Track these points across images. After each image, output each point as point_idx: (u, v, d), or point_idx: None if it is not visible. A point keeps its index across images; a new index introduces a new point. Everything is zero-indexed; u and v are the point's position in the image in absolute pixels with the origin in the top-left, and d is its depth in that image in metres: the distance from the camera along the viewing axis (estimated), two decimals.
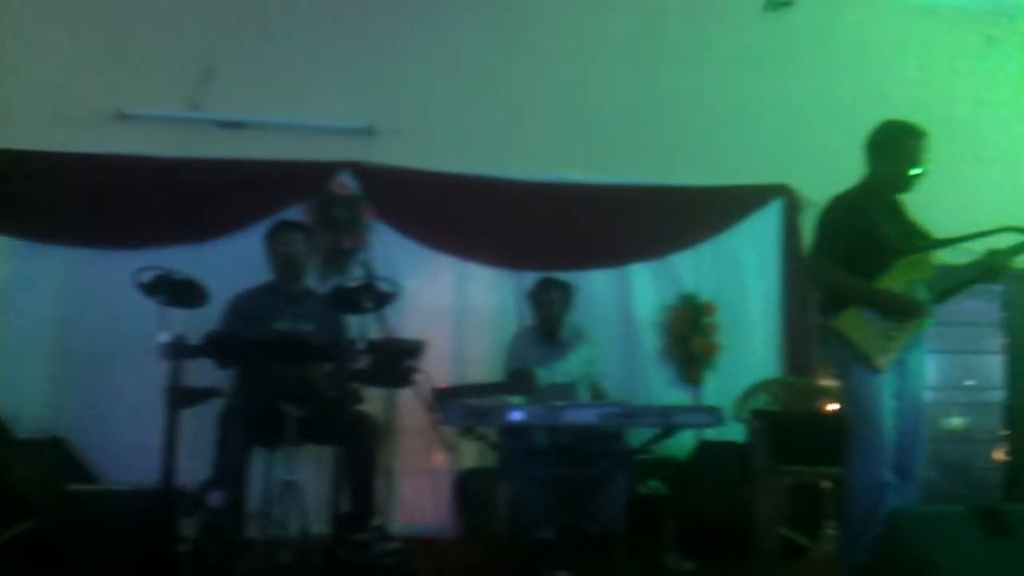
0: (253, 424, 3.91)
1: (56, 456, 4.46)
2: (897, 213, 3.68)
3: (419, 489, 4.91)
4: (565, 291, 4.80)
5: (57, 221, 4.76)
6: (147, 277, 3.63)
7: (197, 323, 3.90)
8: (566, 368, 4.64)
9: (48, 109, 4.80)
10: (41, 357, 4.71)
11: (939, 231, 3.69)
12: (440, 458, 4.97)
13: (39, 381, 4.68)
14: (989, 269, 3.60)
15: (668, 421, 3.98)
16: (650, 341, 5.37)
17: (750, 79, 5.65)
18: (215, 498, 3.51)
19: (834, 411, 4.84)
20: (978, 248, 3.63)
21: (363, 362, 3.82)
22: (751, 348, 5.44)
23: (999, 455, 5.99)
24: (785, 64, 5.72)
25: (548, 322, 4.76)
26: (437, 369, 4.66)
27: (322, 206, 5.00)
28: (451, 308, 5.24)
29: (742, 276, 5.49)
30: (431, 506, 4.94)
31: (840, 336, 3.51)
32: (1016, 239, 3.58)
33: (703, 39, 5.65)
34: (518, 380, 4.49)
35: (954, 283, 3.61)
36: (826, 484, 4.48)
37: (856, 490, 3.47)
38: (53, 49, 4.89)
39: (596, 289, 5.30)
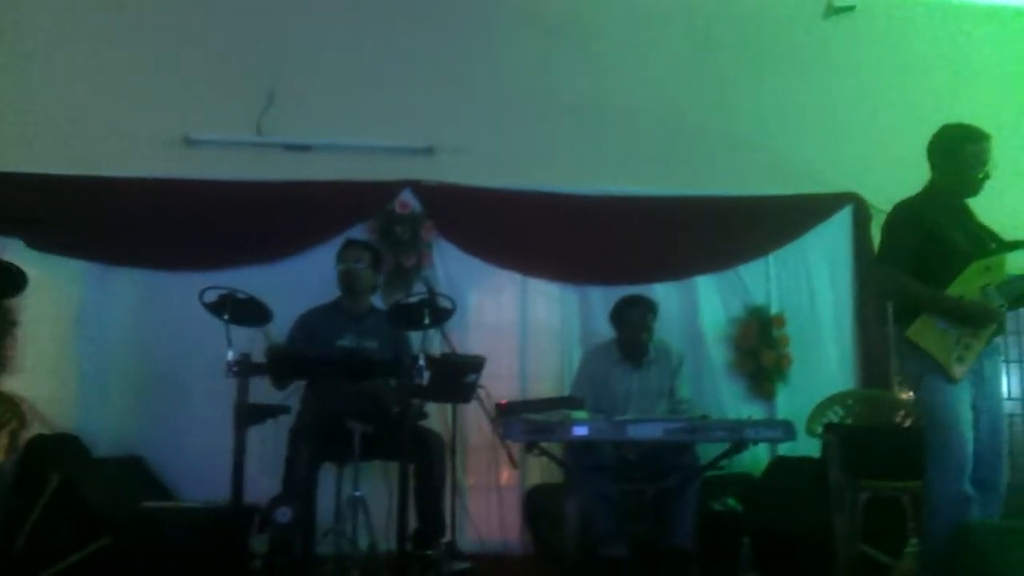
0: (320, 440, 3.95)
1: (132, 474, 4.57)
2: (965, 217, 3.57)
3: (487, 506, 4.88)
4: (652, 309, 4.68)
5: (128, 245, 4.90)
6: (212, 296, 3.71)
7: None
8: (650, 386, 4.58)
9: (118, 136, 4.94)
10: (116, 378, 4.83)
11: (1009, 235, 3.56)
12: (507, 474, 4.94)
13: (115, 401, 4.80)
14: None
15: (737, 436, 3.90)
16: (718, 355, 5.27)
17: (814, 85, 5.56)
18: (283, 514, 3.53)
19: (912, 424, 4.70)
20: None
21: (424, 378, 3.82)
22: (824, 360, 5.32)
23: None
24: (850, 69, 5.62)
25: (635, 340, 4.64)
26: (501, 385, 4.68)
27: (384, 225, 5.06)
28: (514, 324, 5.23)
29: (812, 287, 5.38)
30: (500, 523, 4.90)
31: (913, 346, 3.40)
32: None
33: (765, 46, 5.56)
34: None
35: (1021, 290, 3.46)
36: (907, 499, 4.32)
37: (936, 505, 3.36)
38: (122, 77, 5.04)
39: (661, 303, 5.17)
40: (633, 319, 4.62)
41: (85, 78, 5.02)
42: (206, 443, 4.55)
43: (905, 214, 3.56)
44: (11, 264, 3.41)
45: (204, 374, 4.57)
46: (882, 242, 3.61)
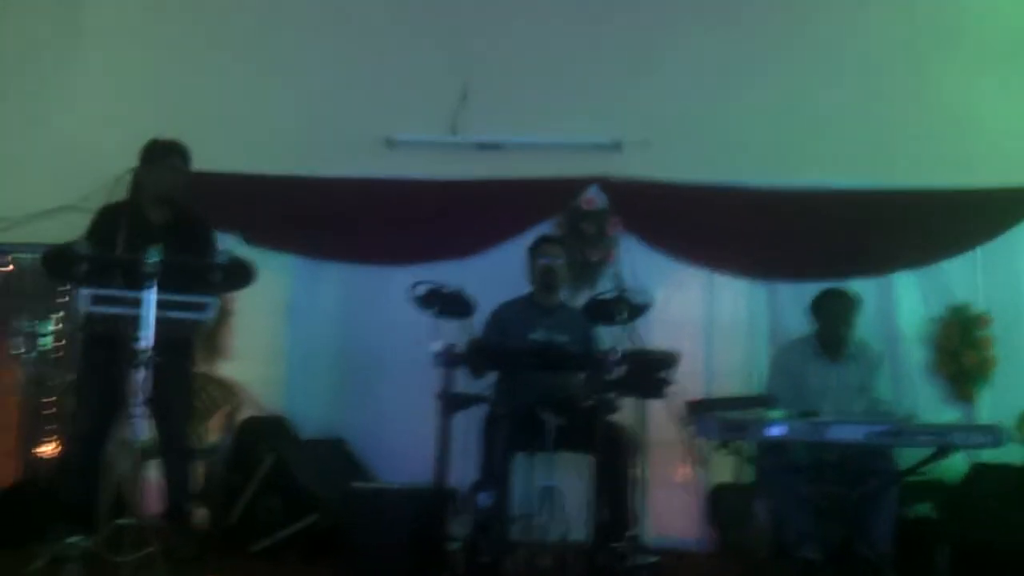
0: (515, 430, 4.07)
1: (335, 455, 4.86)
2: None
3: (669, 501, 4.88)
4: (855, 303, 4.52)
5: (334, 240, 5.22)
6: (421, 290, 3.90)
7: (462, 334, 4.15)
8: (848, 382, 4.46)
9: (326, 137, 5.29)
10: (323, 365, 5.16)
11: None
12: (689, 471, 4.93)
13: (322, 387, 5.13)
14: None
15: (942, 441, 3.74)
16: (916, 355, 5.08)
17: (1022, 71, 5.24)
18: (485, 499, 3.68)
19: None
20: None
21: (618, 372, 3.87)
22: None
23: None
24: None
25: (835, 334, 4.49)
26: (686, 381, 4.64)
27: (571, 221, 5.16)
28: (699, 320, 5.21)
29: (1020, 285, 5.11)
30: (681, 519, 4.91)
31: None
32: None
33: (967, 32, 5.31)
34: None
35: None
36: None
37: None
38: (329, 83, 5.38)
39: None
40: (835, 311, 4.48)
41: (294, 84, 5.38)
42: (403, 427, 4.81)
43: None
44: (244, 259, 3.70)
45: (402, 362, 4.87)
46: None
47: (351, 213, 5.18)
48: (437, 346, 3.74)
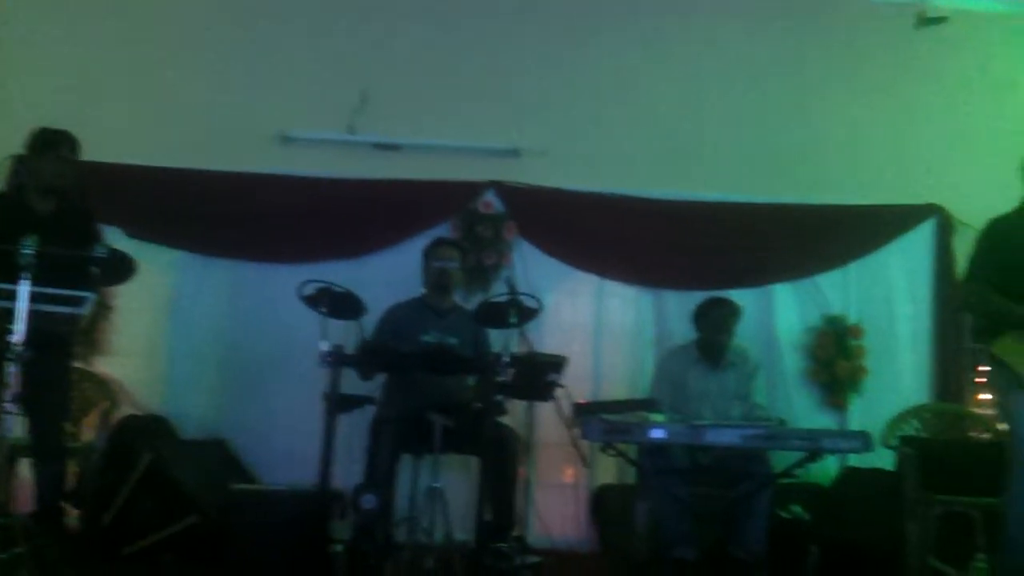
0: (401, 432, 4.07)
1: (218, 457, 4.74)
2: None
3: (554, 502, 4.93)
4: (735, 312, 4.68)
5: (222, 236, 5.11)
6: (310, 290, 3.85)
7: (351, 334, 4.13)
8: (726, 389, 4.61)
9: (218, 132, 5.15)
10: (206, 364, 5.04)
11: None
12: (575, 473, 5.02)
13: (204, 386, 5.01)
14: None
15: (814, 445, 3.92)
16: (793, 363, 5.27)
17: (902, 97, 5.50)
18: (368, 501, 3.66)
19: (989, 439, 4.67)
20: None
21: (507, 375, 3.91)
22: (899, 373, 5.28)
23: None
24: (938, 81, 5.55)
25: (715, 342, 4.65)
26: (574, 384, 4.69)
27: (467, 224, 5.18)
28: (589, 325, 5.30)
29: (891, 298, 5.34)
30: (566, 520, 4.98)
31: (997, 361, 3.40)
32: None
33: (853, 55, 5.52)
34: None
35: None
36: (977, 515, 4.30)
37: (1015, 521, 3.34)
38: (222, 76, 5.25)
39: None
40: (716, 320, 4.64)
41: (187, 76, 5.23)
42: (288, 428, 4.75)
43: (995, 231, 3.56)
44: (125, 253, 3.59)
45: (287, 363, 4.80)
46: (971, 259, 3.62)
47: (241, 209, 5.06)
48: (325, 346, 3.70)
